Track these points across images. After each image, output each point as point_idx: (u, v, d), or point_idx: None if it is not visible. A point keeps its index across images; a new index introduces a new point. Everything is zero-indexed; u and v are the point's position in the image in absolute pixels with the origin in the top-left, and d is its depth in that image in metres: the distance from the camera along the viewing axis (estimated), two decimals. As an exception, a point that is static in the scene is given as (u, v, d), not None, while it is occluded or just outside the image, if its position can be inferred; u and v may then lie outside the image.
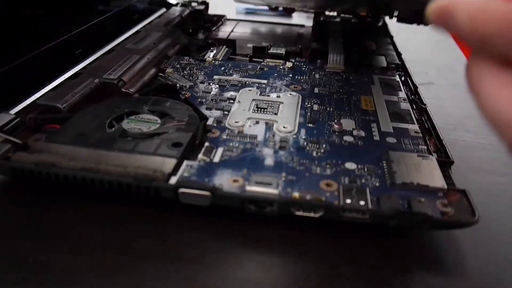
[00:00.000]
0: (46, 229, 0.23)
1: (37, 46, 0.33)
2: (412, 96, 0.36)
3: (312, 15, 0.61)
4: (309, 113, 0.32)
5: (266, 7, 0.66)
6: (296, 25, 0.58)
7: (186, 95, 0.34)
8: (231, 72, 0.39)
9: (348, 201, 0.22)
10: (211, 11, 0.60)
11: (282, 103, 0.33)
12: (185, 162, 0.25)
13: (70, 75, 0.36)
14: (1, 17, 0.31)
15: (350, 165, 0.26)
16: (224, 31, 0.54)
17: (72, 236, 0.23)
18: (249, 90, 0.35)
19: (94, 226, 0.24)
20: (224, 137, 0.28)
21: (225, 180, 0.24)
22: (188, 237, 0.23)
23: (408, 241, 0.23)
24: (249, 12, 0.64)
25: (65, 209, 0.25)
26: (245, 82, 0.36)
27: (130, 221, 0.24)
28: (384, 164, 0.26)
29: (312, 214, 0.22)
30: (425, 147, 0.28)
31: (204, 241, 0.23)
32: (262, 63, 0.41)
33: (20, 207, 0.25)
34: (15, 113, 0.30)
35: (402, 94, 0.36)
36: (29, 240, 0.22)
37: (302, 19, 0.62)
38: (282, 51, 0.43)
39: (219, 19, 0.57)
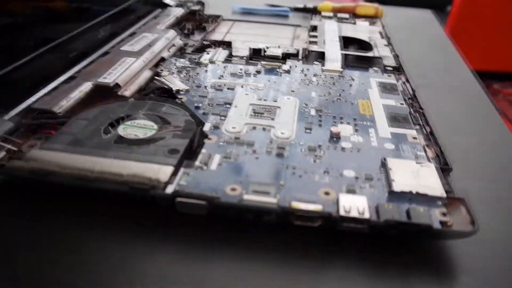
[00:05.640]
0: (42, 238, 0.23)
1: (31, 50, 0.33)
2: (410, 100, 0.35)
3: (309, 15, 0.61)
4: (306, 118, 0.32)
5: (262, 7, 0.66)
6: (293, 25, 0.58)
7: (183, 99, 0.33)
8: (227, 75, 0.38)
9: (347, 210, 0.22)
10: (207, 11, 0.59)
11: (279, 107, 0.33)
12: (182, 170, 0.25)
13: (65, 78, 0.35)
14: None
15: (348, 173, 0.26)
16: (220, 32, 0.54)
17: (69, 246, 0.23)
18: (245, 94, 0.34)
19: (91, 235, 0.23)
20: (221, 143, 0.28)
21: (223, 188, 0.24)
22: (186, 245, 0.23)
23: (404, 248, 0.23)
24: (245, 12, 0.64)
25: (62, 217, 0.24)
26: (242, 86, 0.36)
27: (127, 229, 0.24)
28: (382, 172, 0.26)
29: (310, 224, 0.22)
30: (423, 153, 0.28)
31: (203, 249, 0.23)
32: (258, 66, 0.41)
33: (15, 216, 0.24)
34: (10, 118, 0.29)
35: (400, 97, 0.36)
36: (25, 250, 0.22)
37: (298, 19, 0.62)
38: (278, 52, 0.43)
39: (215, 20, 0.57)
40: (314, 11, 0.61)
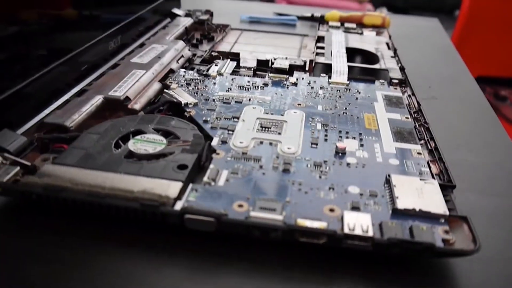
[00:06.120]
0: (54, 253, 0.24)
1: (43, 64, 0.34)
2: (415, 114, 0.36)
3: (316, 24, 0.61)
4: (312, 132, 0.32)
5: (270, 16, 0.66)
6: (300, 35, 0.59)
7: (191, 113, 0.34)
8: (235, 88, 0.39)
9: (351, 228, 0.23)
10: (215, 20, 0.60)
11: (286, 121, 0.33)
12: (191, 186, 0.26)
13: (76, 91, 0.36)
14: (7, 38, 0.31)
15: (353, 189, 0.26)
16: (228, 42, 0.54)
17: (80, 261, 0.23)
18: (253, 108, 0.35)
19: (102, 251, 0.24)
20: (229, 158, 0.29)
21: (230, 205, 0.24)
22: (194, 261, 0.23)
23: (405, 267, 0.24)
24: (253, 21, 0.65)
25: (73, 233, 0.25)
26: (249, 99, 0.37)
27: (137, 245, 0.24)
28: (387, 188, 0.26)
29: (315, 241, 0.23)
30: (428, 169, 0.29)
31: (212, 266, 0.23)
32: (266, 78, 0.41)
33: (27, 230, 0.25)
34: (23, 133, 0.30)
35: (405, 111, 0.36)
36: (38, 265, 0.23)
37: (306, 29, 0.62)
38: (286, 65, 0.43)
39: (223, 29, 0.57)
40: (322, 20, 0.62)
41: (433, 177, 0.28)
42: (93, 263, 0.23)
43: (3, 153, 0.27)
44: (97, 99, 0.34)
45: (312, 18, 0.65)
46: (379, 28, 0.59)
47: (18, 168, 0.26)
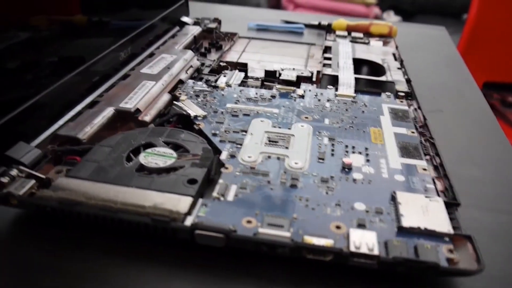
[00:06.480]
0: (67, 266, 0.24)
1: (57, 77, 0.34)
2: (421, 128, 0.36)
3: (323, 33, 0.62)
4: (319, 147, 0.33)
5: (277, 24, 0.67)
6: (307, 44, 0.59)
7: (200, 126, 0.35)
8: (243, 99, 0.39)
9: (357, 246, 0.23)
10: (223, 28, 0.61)
11: (293, 135, 0.34)
12: (201, 201, 0.26)
13: (88, 102, 0.37)
14: (24, 53, 0.32)
15: (359, 206, 0.27)
16: (236, 51, 0.55)
17: (91, 273, 0.24)
18: (261, 121, 0.36)
19: (113, 264, 0.25)
20: (237, 173, 0.29)
21: (239, 221, 0.25)
22: (202, 275, 0.24)
23: (410, 284, 0.24)
24: (260, 28, 0.65)
25: (84, 246, 0.26)
26: (257, 112, 0.37)
27: (147, 258, 0.25)
28: (392, 205, 0.27)
29: (322, 258, 0.23)
30: (433, 185, 0.29)
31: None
32: (273, 90, 0.42)
33: (40, 242, 0.26)
34: (37, 145, 0.31)
35: (411, 125, 0.36)
36: (50, 277, 0.24)
37: (313, 37, 0.63)
38: (293, 76, 0.44)
39: (231, 38, 0.58)
40: (329, 29, 0.62)
41: (438, 194, 0.28)
42: (105, 276, 0.24)
43: (18, 165, 0.28)
44: (109, 111, 0.35)
45: (319, 26, 0.65)
46: (385, 38, 0.59)
47: (33, 181, 0.27)
